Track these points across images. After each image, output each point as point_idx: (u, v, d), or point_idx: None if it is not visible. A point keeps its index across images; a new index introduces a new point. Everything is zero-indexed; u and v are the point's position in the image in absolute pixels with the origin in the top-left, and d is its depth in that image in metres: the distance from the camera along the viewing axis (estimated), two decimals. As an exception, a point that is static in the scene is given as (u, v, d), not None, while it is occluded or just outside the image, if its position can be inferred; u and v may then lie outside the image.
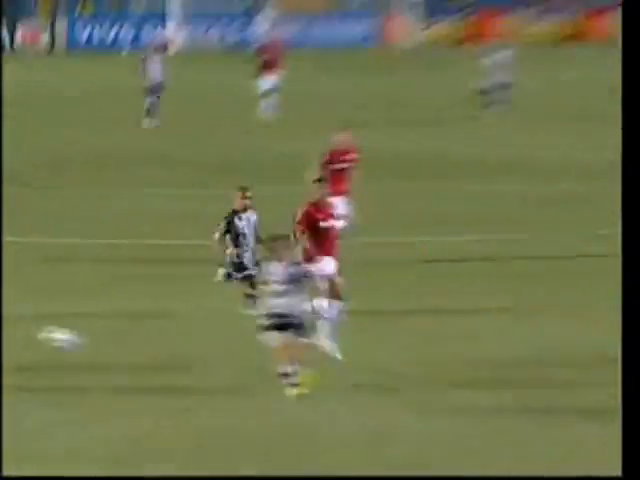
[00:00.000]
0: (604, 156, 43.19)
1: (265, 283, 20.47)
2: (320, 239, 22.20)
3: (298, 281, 20.32)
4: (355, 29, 76.46)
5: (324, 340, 21.80)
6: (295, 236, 22.05)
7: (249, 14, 77.52)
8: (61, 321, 24.25)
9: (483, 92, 51.36)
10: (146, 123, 49.61)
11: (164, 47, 57.46)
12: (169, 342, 23.78)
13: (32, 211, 36.99)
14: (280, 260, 20.11)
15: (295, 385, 19.98)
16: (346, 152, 29.48)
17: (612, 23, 77.05)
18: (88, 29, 78.40)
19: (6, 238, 32.19)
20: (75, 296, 28.20)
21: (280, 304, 20.12)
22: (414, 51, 75.56)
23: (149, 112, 50.20)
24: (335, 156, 29.17)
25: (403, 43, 76.83)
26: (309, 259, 21.92)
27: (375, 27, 76.74)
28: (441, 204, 36.72)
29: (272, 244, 20.57)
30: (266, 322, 20.14)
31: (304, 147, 43.03)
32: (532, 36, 71.87)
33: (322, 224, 22.17)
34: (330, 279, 22.24)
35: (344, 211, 28.04)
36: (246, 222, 25.19)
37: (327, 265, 22.15)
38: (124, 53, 73.25)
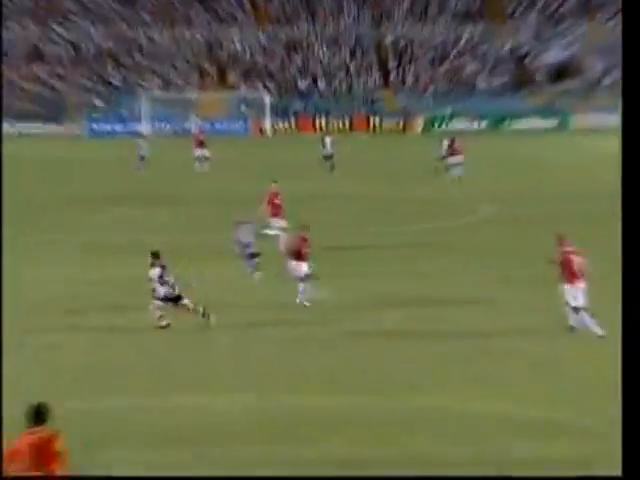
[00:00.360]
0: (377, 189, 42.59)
1: (154, 282, 20.58)
2: (302, 254, 22.84)
3: (172, 286, 20.55)
4: (238, 125, 76.18)
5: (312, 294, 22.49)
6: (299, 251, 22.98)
7: (185, 116, 73.66)
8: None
9: (325, 158, 49.79)
10: (138, 174, 47.73)
11: (143, 134, 57.41)
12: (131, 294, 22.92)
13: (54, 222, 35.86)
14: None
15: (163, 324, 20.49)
16: (278, 193, 29.52)
17: (371, 122, 74.64)
18: (99, 124, 75.68)
19: (45, 237, 32.24)
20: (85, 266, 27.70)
21: (164, 292, 20.50)
22: (270, 138, 72.56)
23: (139, 169, 48.28)
24: (273, 196, 29.39)
25: (264, 133, 74.92)
26: (298, 260, 22.80)
27: (250, 124, 75.59)
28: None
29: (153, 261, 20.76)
30: (158, 299, 20.52)
31: (225, 187, 43.81)
32: (333, 129, 71.81)
33: (304, 250, 22.89)
34: (306, 273, 22.73)
35: (283, 224, 28.48)
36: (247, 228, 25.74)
37: (304, 266, 22.80)
38: (117, 138, 69.88)
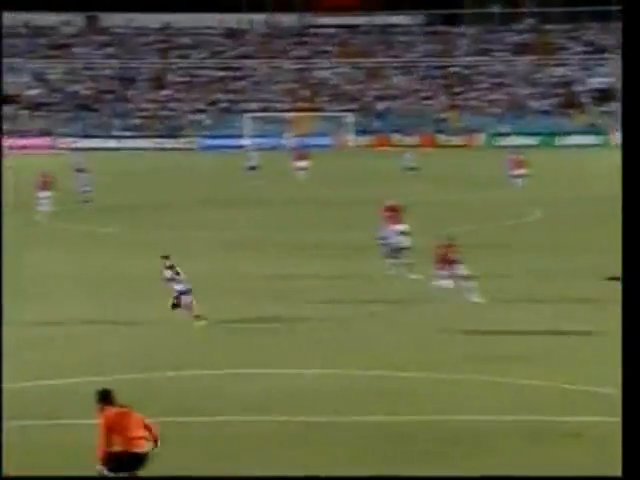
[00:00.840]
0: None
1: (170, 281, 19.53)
2: (447, 261, 21.61)
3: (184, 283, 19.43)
4: (325, 141, 75.75)
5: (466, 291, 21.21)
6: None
7: (280, 134, 73.57)
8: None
9: (407, 169, 50.05)
10: (250, 182, 46.44)
11: (252, 147, 57.72)
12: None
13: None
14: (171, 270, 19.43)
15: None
16: (394, 204, 27.16)
17: (438, 139, 73.56)
18: (209, 140, 74.89)
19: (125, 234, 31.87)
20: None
21: (179, 288, 19.43)
22: (352, 152, 70.84)
23: (249, 177, 46.96)
24: (389, 206, 27.13)
25: (347, 148, 74.44)
26: (442, 268, 21.57)
27: (334, 140, 75.30)
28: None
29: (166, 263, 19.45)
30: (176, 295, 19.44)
31: (321, 192, 43.48)
32: (405, 145, 71.53)
33: (451, 256, 21.63)
34: (462, 275, 21.51)
35: (405, 228, 25.88)
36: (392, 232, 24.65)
37: (455, 269, 21.65)
38: (223, 151, 69.31)
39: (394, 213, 26.57)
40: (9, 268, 23.45)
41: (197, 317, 19.43)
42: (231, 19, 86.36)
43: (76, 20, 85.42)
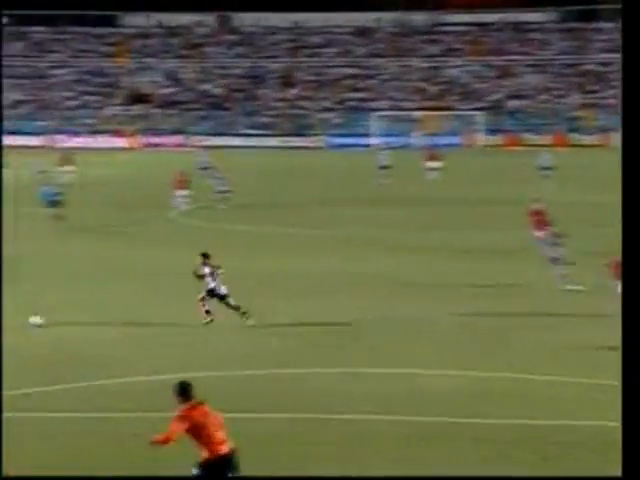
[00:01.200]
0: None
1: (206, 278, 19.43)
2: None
3: (220, 283, 19.34)
4: (454, 140, 74.90)
5: None
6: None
7: (408, 133, 73.66)
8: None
9: (543, 168, 47.78)
10: (381, 180, 46.10)
11: (384, 147, 57.19)
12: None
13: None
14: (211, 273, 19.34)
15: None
16: (540, 209, 25.76)
17: (571, 139, 73.75)
18: (336, 138, 74.82)
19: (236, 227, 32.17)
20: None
21: (213, 286, 19.38)
22: (482, 152, 69.27)
23: (382, 177, 46.39)
24: (535, 210, 25.93)
25: (476, 147, 73.38)
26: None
27: (463, 139, 73.46)
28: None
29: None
30: (207, 291, 19.40)
31: (455, 192, 43.24)
32: (536, 144, 69.96)
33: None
34: None
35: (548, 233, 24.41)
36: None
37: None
38: (351, 150, 69.60)
39: (540, 217, 25.42)
40: (136, 265, 24.80)
41: (208, 316, 19.29)
42: (360, 18, 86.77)
43: (208, 20, 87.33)
